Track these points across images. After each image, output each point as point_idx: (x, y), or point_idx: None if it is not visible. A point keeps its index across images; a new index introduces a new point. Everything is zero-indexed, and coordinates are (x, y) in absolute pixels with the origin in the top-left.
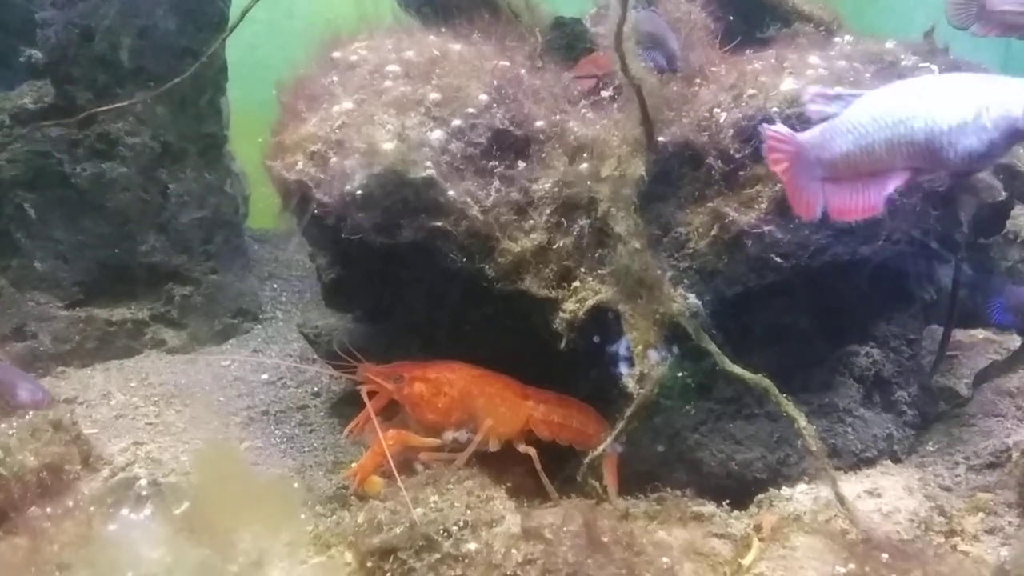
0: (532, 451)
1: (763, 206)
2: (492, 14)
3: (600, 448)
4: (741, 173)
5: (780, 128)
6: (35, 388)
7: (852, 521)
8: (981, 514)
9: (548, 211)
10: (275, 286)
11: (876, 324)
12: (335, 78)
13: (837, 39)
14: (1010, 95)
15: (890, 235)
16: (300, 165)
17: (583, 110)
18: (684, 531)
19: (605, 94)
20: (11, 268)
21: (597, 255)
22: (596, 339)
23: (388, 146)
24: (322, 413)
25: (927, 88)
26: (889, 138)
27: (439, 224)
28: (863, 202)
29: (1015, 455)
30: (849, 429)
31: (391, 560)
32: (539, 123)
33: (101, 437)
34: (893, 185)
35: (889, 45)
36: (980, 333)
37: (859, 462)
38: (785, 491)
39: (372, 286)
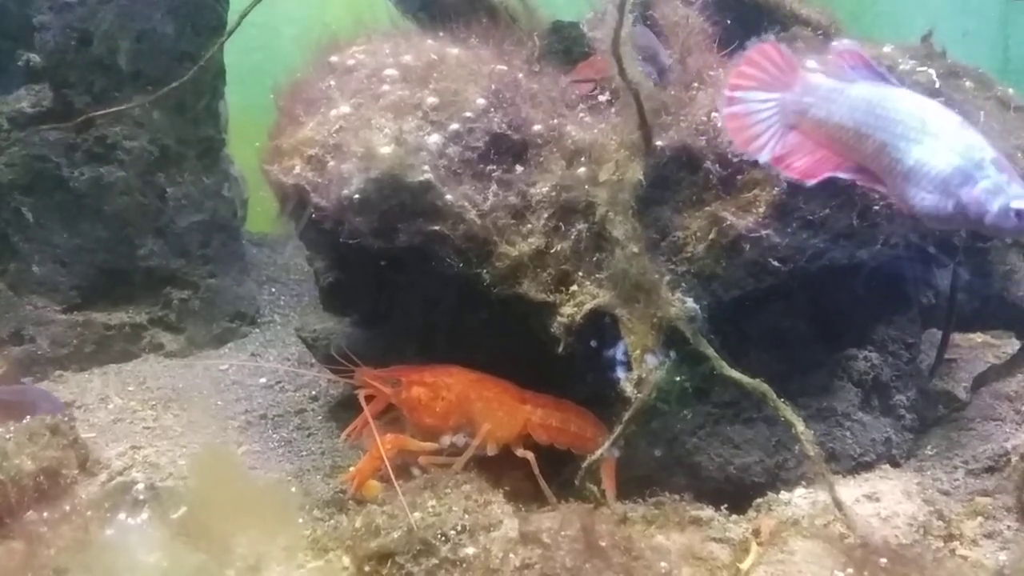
0: (530, 455)
1: (761, 210)
2: (490, 18)
3: (598, 452)
4: (739, 177)
5: (785, 48)
6: (53, 405)
7: (850, 525)
8: (980, 518)
9: (546, 215)
10: (273, 290)
11: (874, 328)
12: (332, 82)
13: (834, 43)
14: (1003, 188)
15: (888, 239)
16: (297, 169)
17: (581, 114)
18: (682, 535)
19: (602, 98)
20: (9, 272)
21: (595, 259)
22: (594, 343)
23: (385, 150)
24: (320, 417)
25: (944, 123)
26: (885, 142)
27: (436, 228)
28: (803, 167)
29: (1014, 459)
30: (847, 433)
31: (389, 564)
32: (537, 127)
33: (99, 441)
34: (841, 175)
35: (887, 49)
36: (978, 337)
37: (857, 466)
38: (783, 495)
39: (370, 290)
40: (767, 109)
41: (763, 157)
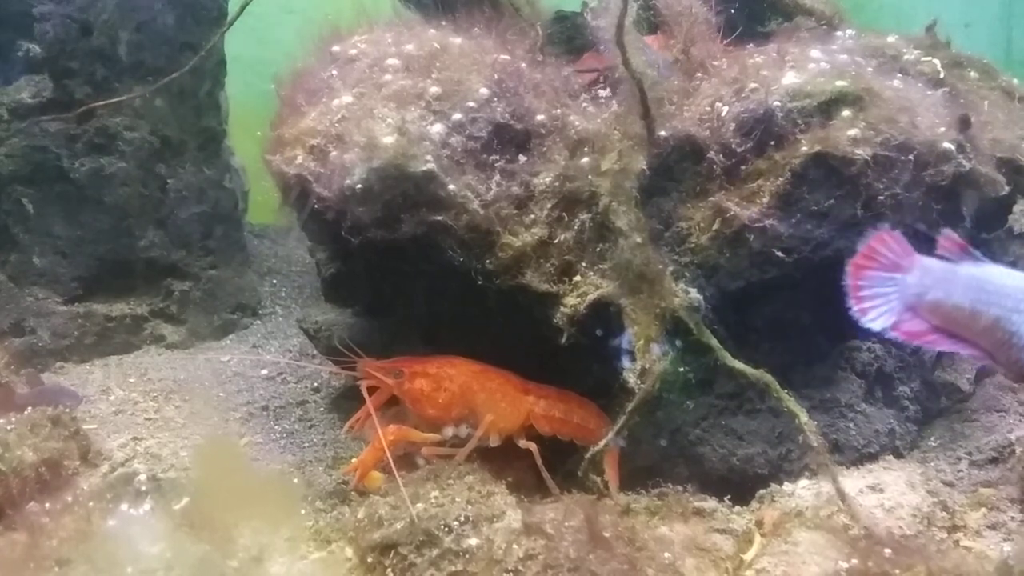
0: (533, 446)
1: (765, 200)
2: (493, 8)
3: (602, 443)
4: (743, 167)
5: (897, 235)
6: (71, 401)
7: (854, 516)
8: (984, 509)
9: (549, 205)
10: (274, 281)
11: None
12: (334, 72)
13: (839, 33)
14: None
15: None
16: (299, 159)
17: (584, 104)
18: (686, 526)
19: (603, 93)
20: (9, 263)
21: (598, 249)
22: (597, 334)
23: (388, 140)
24: (322, 409)
25: None
26: (998, 317)
27: (439, 218)
28: (917, 331)
29: (1018, 450)
30: (851, 424)
31: (391, 555)
32: (540, 117)
33: (100, 433)
34: (966, 353)
35: (891, 39)
36: None
37: (861, 457)
38: (787, 486)
39: (372, 281)
40: (889, 287)
41: (879, 325)
